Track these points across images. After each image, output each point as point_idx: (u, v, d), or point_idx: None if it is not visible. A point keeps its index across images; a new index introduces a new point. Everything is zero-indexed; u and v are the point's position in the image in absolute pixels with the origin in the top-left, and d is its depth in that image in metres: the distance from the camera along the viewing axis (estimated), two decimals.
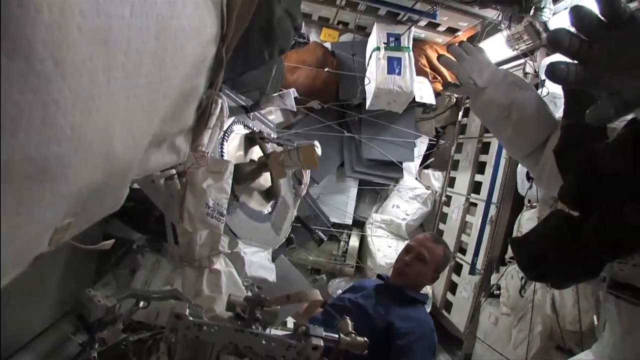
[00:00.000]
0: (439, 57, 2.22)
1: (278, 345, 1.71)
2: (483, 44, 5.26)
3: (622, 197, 1.35)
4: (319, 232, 4.22)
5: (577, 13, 0.98)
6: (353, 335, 1.79)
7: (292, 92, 3.71)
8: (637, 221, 1.31)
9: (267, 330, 1.84)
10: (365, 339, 1.79)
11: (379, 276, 3.48)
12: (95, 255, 4.03)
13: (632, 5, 2.82)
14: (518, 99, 1.90)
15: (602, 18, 0.97)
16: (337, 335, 1.77)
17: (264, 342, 1.70)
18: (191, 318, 1.71)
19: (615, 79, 0.98)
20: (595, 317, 3.00)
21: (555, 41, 1.00)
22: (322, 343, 1.71)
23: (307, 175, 3.87)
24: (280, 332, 1.87)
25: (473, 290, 4.81)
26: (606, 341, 1.64)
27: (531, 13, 3.98)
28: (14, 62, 0.62)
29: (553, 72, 1.01)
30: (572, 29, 1.02)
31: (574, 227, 1.47)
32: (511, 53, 4.89)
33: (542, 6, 3.89)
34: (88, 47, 0.73)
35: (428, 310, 5.42)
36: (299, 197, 3.85)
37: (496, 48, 5.07)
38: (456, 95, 6.03)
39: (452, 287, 5.39)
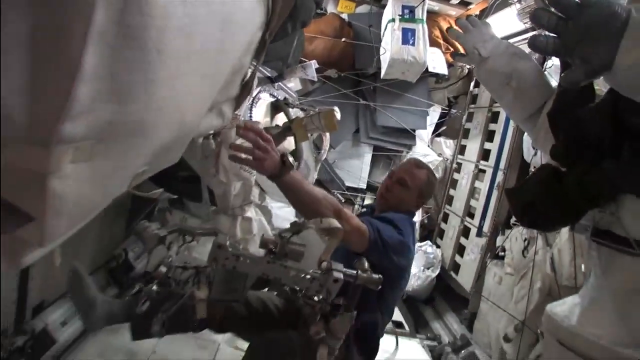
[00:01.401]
0: (448, 29, 2.41)
1: (303, 278, 1.95)
2: (494, 17, 5.41)
3: (601, 154, 1.58)
4: (337, 194, 4.47)
5: None
6: (369, 272, 2.03)
7: (313, 64, 3.93)
8: (612, 175, 1.54)
9: None
10: (380, 276, 2.03)
11: (364, 207, 3.58)
12: (125, 214, 4.28)
13: None
14: (518, 68, 2.09)
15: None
16: (355, 271, 2.01)
17: (291, 274, 1.94)
18: (230, 249, 1.94)
19: (585, 50, 1.21)
20: (583, 266, 3.24)
21: (536, 19, 1.23)
22: (342, 277, 1.95)
23: (326, 142, 4.07)
24: None
25: (480, 252, 5.04)
26: (590, 284, 1.85)
27: None
28: (134, 52, 0.88)
29: (534, 44, 1.25)
30: (552, 9, 1.25)
31: (560, 179, 1.70)
32: (522, 26, 5.03)
33: None
34: (178, 40, 0.99)
35: (436, 272, 5.68)
36: (319, 162, 4.04)
37: (507, 21, 5.21)
38: (468, 66, 6.17)
39: (460, 249, 5.61)
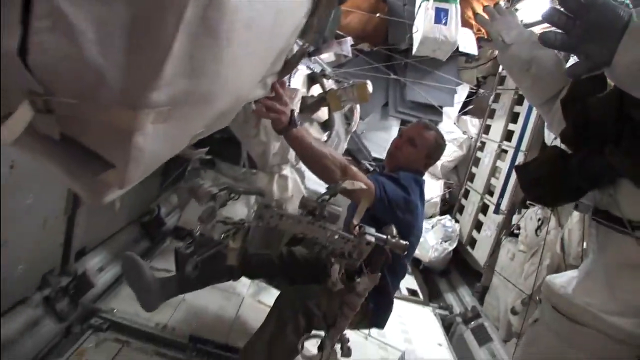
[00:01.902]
0: (476, 15, 2.56)
1: (339, 239, 2.16)
2: (528, 3, 5.53)
3: (605, 140, 1.76)
4: (366, 164, 4.66)
5: None
6: (397, 237, 2.23)
7: (349, 40, 4.08)
8: (610, 159, 1.73)
9: None
10: (407, 242, 2.25)
11: (378, 167, 3.72)
12: (159, 171, 4.50)
13: None
14: (538, 56, 2.22)
15: (583, 2, 1.37)
16: (385, 236, 2.21)
17: (328, 234, 2.15)
18: (276, 209, 2.16)
19: (589, 47, 1.39)
20: (585, 244, 3.41)
21: (548, 18, 1.41)
22: (374, 240, 2.16)
23: (357, 115, 4.24)
24: None
25: (496, 229, 5.20)
26: (588, 259, 2.03)
27: None
28: (209, 39, 1.12)
29: (544, 39, 1.43)
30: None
31: (565, 160, 1.89)
32: None
33: None
34: (242, 30, 1.21)
35: (453, 245, 5.85)
36: (349, 133, 4.21)
37: (541, 5, 5.30)
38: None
39: (477, 225, 5.79)
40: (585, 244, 3.55)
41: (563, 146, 1.99)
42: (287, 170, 3.18)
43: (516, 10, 5.89)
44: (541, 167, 2.00)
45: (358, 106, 4.45)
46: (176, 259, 3.16)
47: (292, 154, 3.14)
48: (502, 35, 2.30)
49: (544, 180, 1.97)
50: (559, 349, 1.85)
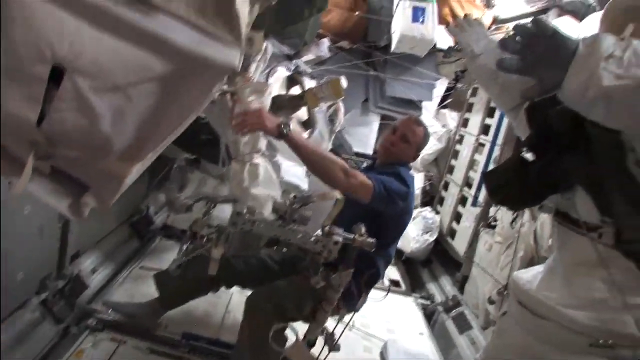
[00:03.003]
0: (447, 26, 2.67)
1: (309, 239, 2.33)
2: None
3: (563, 149, 1.91)
4: (350, 161, 4.80)
5: (518, 27, 1.54)
6: (365, 236, 2.39)
7: (326, 42, 4.21)
8: (568, 167, 1.88)
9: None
10: (374, 240, 2.41)
11: (368, 157, 3.86)
12: (146, 172, 4.61)
13: None
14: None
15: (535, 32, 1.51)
16: (353, 235, 2.38)
17: (299, 236, 2.32)
18: (247, 216, 2.32)
19: (541, 72, 1.53)
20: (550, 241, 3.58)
21: (504, 46, 1.55)
22: (341, 239, 2.33)
23: (341, 115, 4.37)
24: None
25: (474, 221, 5.36)
26: (551, 256, 2.18)
27: None
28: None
29: (500, 64, 1.57)
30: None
31: (527, 167, 2.04)
32: (528, 9, 5.28)
33: None
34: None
35: (434, 236, 5.99)
36: (333, 133, 4.34)
37: (515, 3, 5.49)
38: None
39: (457, 217, 5.94)
40: (550, 240, 3.72)
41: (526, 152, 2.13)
42: (258, 159, 3.31)
43: (492, 6, 6.05)
44: (505, 174, 2.14)
45: (342, 107, 4.59)
46: (156, 282, 3.33)
47: (262, 143, 3.29)
48: (472, 45, 2.41)
49: (508, 186, 2.11)
50: (525, 341, 1.99)
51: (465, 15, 2.57)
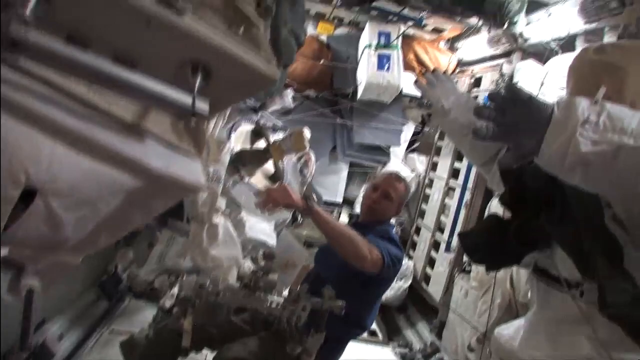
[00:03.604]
0: (415, 81, 2.65)
1: (276, 306, 2.27)
2: (466, 43, 5.78)
3: (539, 206, 1.88)
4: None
5: (492, 95, 1.51)
6: (333, 299, 2.36)
7: (289, 92, 4.20)
8: (545, 226, 1.84)
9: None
10: (343, 301, 2.37)
11: (350, 216, 3.90)
12: None
13: None
14: (474, 121, 2.34)
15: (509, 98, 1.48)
16: (320, 299, 2.34)
17: (266, 304, 2.27)
18: (211, 287, 2.27)
19: (517, 139, 1.49)
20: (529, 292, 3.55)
21: (478, 114, 1.51)
22: (309, 305, 2.28)
23: (312, 167, 4.36)
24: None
25: (448, 266, 5.31)
26: (531, 312, 2.14)
27: (505, 27, 4.39)
28: None
29: (475, 133, 1.53)
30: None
31: (503, 227, 2.00)
32: (491, 52, 5.34)
33: (515, 20, 4.26)
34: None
35: (408, 282, 5.95)
36: (304, 184, 4.32)
37: (478, 46, 5.54)
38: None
39: (431, 262, 5.88)
40: (529, 293, 3.70)
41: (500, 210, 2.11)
42: (218, 219, 3.27)
43: (456, 49, 6.12)
44: (481, 235, 2.11)
45: (313, 158, 4.57)
46: (122, 351, 3.20)
47: (221, 202, 3.26)
48: (442, 101, 2.38)
49: (485, 247, 2.07)
50: None
51: (434, 70, 2.55)
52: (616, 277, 1.63)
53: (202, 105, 1.20)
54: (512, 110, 1.46)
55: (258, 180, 3.81)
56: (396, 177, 3.40)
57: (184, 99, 1.18)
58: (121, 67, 1.13)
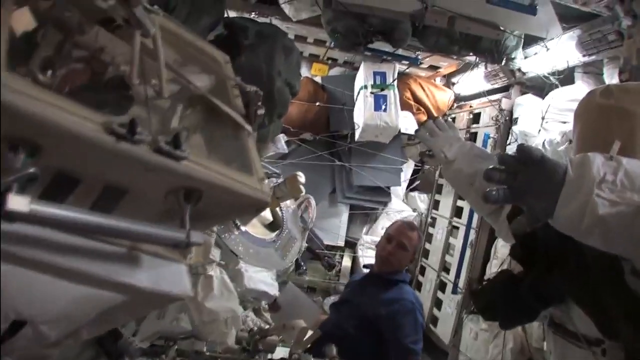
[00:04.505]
0: (416, 131, 2.57)
1: None
2: (463, 78, 5.74)
3: (552, 262, 1.78)
4: (328, 259, 4.72)
5: (502, 157, 1.41)
6: (336, 358, 2.27)
7: (282, 137, 4.13)
8: (560, 282, 1.74)
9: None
10: None
11: (365, 266, 3.86)
12: None
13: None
14: (480, 170, 2.24)
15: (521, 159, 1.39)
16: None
17: None
18: (208, 353, 2.16)
19: (530, 201, 1.39)
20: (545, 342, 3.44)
21: (488, 177, 1.41)
22: None
23: (312, 213, 4.29)
24: None
25: (456, 307, 5.17)
26: None
27: (503, 63, 4.34)
28: None
29: (486, 198, 1.43)
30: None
31: (516, 283, 1.90)
32: (488, 86, 5.29)
33: (513, 57, 4.22)
34: None
35: None
36: (306, 231, 4.25)
37: (476, 81, 5.50)
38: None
39: (437, 303, 5.73)
40: (545, 343, 3.58)
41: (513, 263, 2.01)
42: (213, 270, 3.19)
43: (453, 84, 6.08)
44: (494, 292, 2.02)
45: (313, 203, 4.50)
46: None
47: (215, 253, 3.18)
48: (444, 151, 2.31)
49: (498, 305, 1.98)
50: None
51: (435, 118, 2.49)
52: None
53: (196, 238, 1.18)
54: (524, 171, 1.36)
55: (256, 228, 3.72)
56: (409, 226, 3.47)
57: (177, 235, 1.16)
58: (112, 215, 1.13)
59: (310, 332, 2.53)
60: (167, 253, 1.37)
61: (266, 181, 1.44)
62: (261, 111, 1.64)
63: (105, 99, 1.32)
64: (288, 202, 4.23)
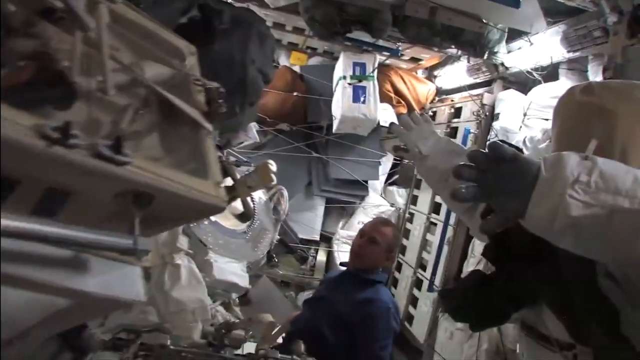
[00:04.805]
0: (391, 124, 2.48)
1: None
2: (445, 71, 5.70)
3: (524, 262, 1.69)
4: (301, 252, 4.63)
5: (473, 154, 1.30)
6: (304, 355, 2.19)
7: (254, 126, 4.03)
8: (532, 284, 1.66)
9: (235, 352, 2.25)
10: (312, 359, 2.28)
11: (342, 264, 3.78)
12: None
13: None
14: (455, 165, 2.18)
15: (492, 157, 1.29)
16: (290, 356, 2.24)
17: None
18: (172, 347, 2.06)
19: (501, 200, 1.30)
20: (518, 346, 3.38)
21: (458, 174, 1.31)
22: None
23: (285, 204, 4.21)
24: None
25: (432, 305, 5.09)
26: None
27: (485, 57, 4.27)
28: None
29: (454, 195, 1.33)
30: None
31: (487, 284, 1.81)
32: (470, 80, 5.21)
33: (495, 50, 4.16)
34: None
35: None
36: (278, 222, 4.18)
37: (458, 74, 5.44)
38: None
39: (413, 301, 5.65)
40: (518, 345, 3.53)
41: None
42: (180, 259, 3.11)
43: (435, 77, 6.01)
44: (464, 293, 1.93)
45: (286, 194, 4.42)
46: None
47: (183, 241, 3.11)
48: (419, 146, 2.24)
49: (469, 306, 1.90)
50: None
51: (411, 112, 2.41)
52: (613, 346, 1.48)
53: (145, 245, 1.13)
54: (496, 169, 1.27)
55: (226, 219, 3.64)
56: (383, 222, 3.45)
57: (124, 242, 1.10)
58: (55, 219, 1.06)
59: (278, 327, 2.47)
60: (119, 255, 1.29)
61: (222, 185, 1.41)
62: (223, 108, 1.62)
63: (48, 97, 1.24)
64: (260, 193, 4.14)
